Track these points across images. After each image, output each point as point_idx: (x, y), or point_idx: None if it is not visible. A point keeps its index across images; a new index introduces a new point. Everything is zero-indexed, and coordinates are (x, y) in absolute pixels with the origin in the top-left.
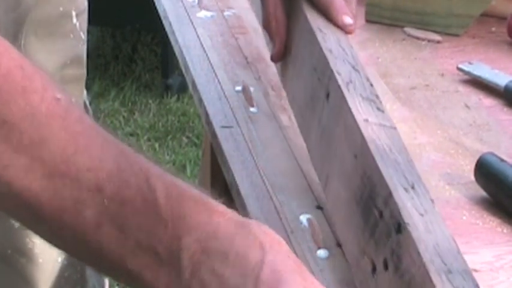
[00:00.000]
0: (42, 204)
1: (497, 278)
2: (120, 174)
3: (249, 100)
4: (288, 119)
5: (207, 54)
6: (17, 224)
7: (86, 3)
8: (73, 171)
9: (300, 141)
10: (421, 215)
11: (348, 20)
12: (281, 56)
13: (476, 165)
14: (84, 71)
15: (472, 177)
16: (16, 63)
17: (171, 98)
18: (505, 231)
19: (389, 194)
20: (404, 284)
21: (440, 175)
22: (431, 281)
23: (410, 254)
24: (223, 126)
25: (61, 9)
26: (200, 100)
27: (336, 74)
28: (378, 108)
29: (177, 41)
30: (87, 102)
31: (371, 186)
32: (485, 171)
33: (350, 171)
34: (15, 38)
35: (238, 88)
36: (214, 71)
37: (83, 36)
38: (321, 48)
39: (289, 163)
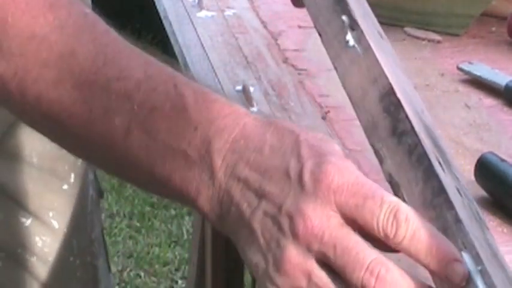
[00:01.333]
0: (71, 115)
1: None
2: (149, 82)
3: (249, 100)
4: (288, 119)
5: (207, 54)
6: (27, 223)
7: (89, 3)
8: (102, 81)
9: None
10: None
11: None
12: None
13: (477, 165)
14: None
15: (472, 177)
16: None
17: None
18: (505, 230)
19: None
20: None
21: None
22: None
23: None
24: None
25: None
26: None
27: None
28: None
29: (177, 41)
30: None
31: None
32: (485, 171)
33: None
34: None
35: (239, 88)
36: (214, 70)
37: None
38: None
39: None
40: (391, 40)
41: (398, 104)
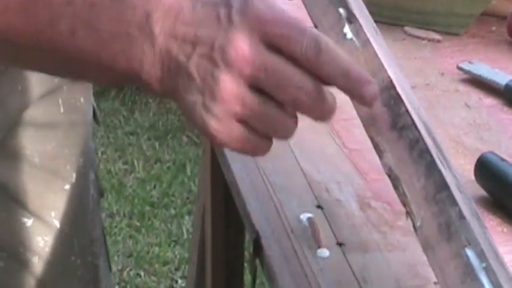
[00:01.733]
0: (21, 34)
1: None
2: None
3: None
4: None
5: None
6: (28, 223)
7: None
8: None
9: (300, 140)
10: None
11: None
12: None
13: (476, 164)
14: None
15: (472, 177)
16: None
17: None
18: (505, 230)
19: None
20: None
21: None
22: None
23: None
24: None
25: None
26: None
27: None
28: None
29: None
30: (95, 105)
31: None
32: (485, 170)
33: None
34: None
35: None
36: None
37: None
38: None
39: (289, 162)
40: (391, 39)
41: (398, 98)
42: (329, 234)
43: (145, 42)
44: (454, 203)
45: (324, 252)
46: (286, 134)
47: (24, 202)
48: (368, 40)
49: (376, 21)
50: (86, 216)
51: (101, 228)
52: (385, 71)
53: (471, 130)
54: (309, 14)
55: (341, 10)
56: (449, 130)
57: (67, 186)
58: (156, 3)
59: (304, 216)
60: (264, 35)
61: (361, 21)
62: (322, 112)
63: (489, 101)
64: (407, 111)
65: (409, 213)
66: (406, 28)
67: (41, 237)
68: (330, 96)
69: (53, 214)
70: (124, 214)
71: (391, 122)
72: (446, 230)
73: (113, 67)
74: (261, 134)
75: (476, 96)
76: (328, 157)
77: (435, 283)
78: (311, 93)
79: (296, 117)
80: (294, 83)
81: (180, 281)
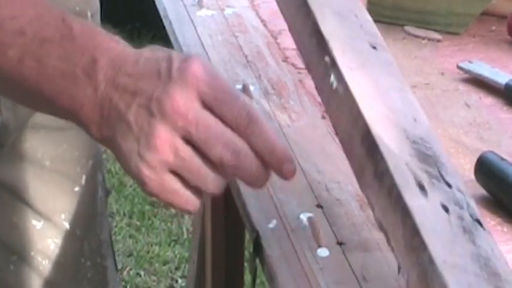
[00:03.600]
0: None
1: None
2: (40, 19)
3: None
4: (288, 118)
5: (207, 53)
6: (38, 225)
7: (98, 4)
8: None
9: (300, 140)
10: None
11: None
12: None
13: (477, 163)
14: None
15: (472, 176)
16: None
17: None
18: (505, 229)
19: (469, 198)
20: (473, 246)
21: None
22: None
23: (492, 248)
24: None
25: (77, 8)
26: None
27: None
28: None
29: (177, 40)
30: None
31: (436, 157)
32: (485, 169)
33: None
34: None
35: (238, 87)
36: None
37: None
38: None
39: None
40: (391, 39)
41: (374, 144)
42: (329, 233)
43: (88, 86)
44: (424, 247)
45: (324, 251)
46: (216, 188)
47: (35, 204)
48: (347, 85)
49: (376, 21)
50: (95, 218)
51: (108, 229)
52: (363, 116)
53: (471, 129)
54: (307, 69)
55: (326, 58)
56: (449, 129)
57: (77, 188)
58: (103, 52)
59: (304, 216)
60: (200, 94)
61: (343, 59)
62: (251, 175)
63: (489, 100)
64: (382, 157)
65: (399, 267)
66: (406, 27)
67: (52, 240)
68: (259, 163)
69: (63, 216)
70: (124, 213)
71: (373, 170)
72: (424, 279)
73: (54, 102)
74: (191, 187)
75: (476, 95)
76: (328, 157)
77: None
78: (237, 153)
79: (227, 175)
80: (221, 141)
81: (180, 281)
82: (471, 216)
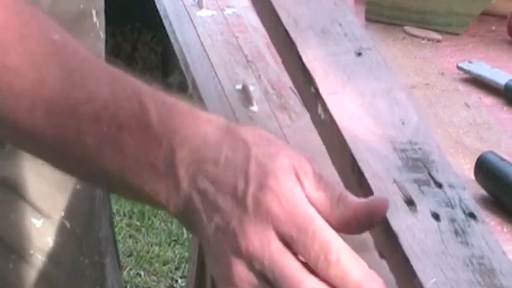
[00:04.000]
0: (47, 138)
1: None
2: (115, 101)
3: (249, 99)
4: (288, 118)
5: (207, 53)
6: (38, 224)
7: (103, 2)
8: (72, 105)
9: (300, 140)
10: None
11: None
12: None
13: (476, 164)
14: None
15: (472, 176)
16: (12, 10)
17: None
18: (505, 229)
19: (463, 188)
20: (468, 251)
21: None
22: None
23: (487, 242)
24: None
25: (81, 6)
26: (200, 99)
27: None
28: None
29: (177, 40)
30: None
31: (425, 157)
32: (485, 170)
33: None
34: None
35: (238, 87)
36: (214, 69)
37: (102, 35)
38: None
39: None
40: (391, 39)
41: (361, 172)
42: None
43: (171, 182)
44: (414, 274)
45: None
46: None
47: (35, 202)
48: (333, 119)
49: (376, 21)
50: (94, 216)
51: (108, 227)
52: (349, 148)
53: (471, 130)
54: (303, 104)
55: (312, 89)
56: (449, 129)
57: (78, 186)
58: (182, 142)
59: None
60: (276, 231)
61: (329, 91)
62: None
63: (489, 100)
64: (368, 185)
65: None
66: (406, 28)
67: (51, 238)
68: None
69: (63, 214)
70: (124, 213)
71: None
72: None
73: (139, 193)
74: None
75: (476, 95)
76: (328, 157)
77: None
78: None
79: None
80: (295, 284)
81: (180, 281)
82: (464, 211)
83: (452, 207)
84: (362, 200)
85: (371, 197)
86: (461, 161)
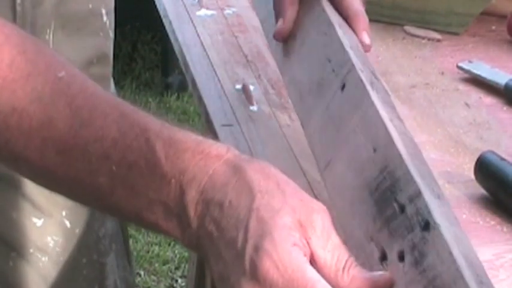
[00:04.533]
0: (60, 177)
1: (497, 277)
2: (123, 140)
3: (249, 98)
4: (288, 117)
5: (207, 53)
6: (39, 223)
7: (113, 1)
8: (81, 145)
9: (299, 140)
10: (450, 224)
11: (367, 39)
12: (286, 35)
13: (476, 163)
14: (110, 69)
15: (472, 176)
16: (19, 49)
17: (171, 96)
18: (504, 229)
19: (418, 193)
20: (425, 279)
21: (440, 173)
22: (465, 285)
23: (438, 253)
24: (223, 125)
25: (90, 6)
26: (200, 98)
27: (359, 71)
28: (398, 117)
29: (177, 40)
30: None
31: (392, 181)
32: (485, 169)
33: (365, 161)
34: (41, 33)
35: (238, 86)
36: (214, 69)
37: (111, 34)
38: (341, 43)
39: (289, 161)
40: (391, 39)
41: (344, 243)
42: None
43: (182, 220)
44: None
45: None
46: None
47: (36, 201)
48: (326, 187)
49: (376, 20)
50: (94, 215)
51: (114, 225)
52: (334, 223)
53: (471, 129)
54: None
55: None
56: (449, 129)
57: None
58: (190, 182)
59: None
60: None
61: (322, 156)
62: None
63: (489, 100)
64: (351, 253)
65: None
66: (406, 27)
67: (51, 237)
68: None
69: (64, 213)
70: None
71: None
72: None
73: (154, 227)
74: None
75: (476, 95)
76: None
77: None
78: None
79: None
80: None
81: (180, 280)
82: (420, 225)
83: (413, 230)
84: (367, 275)
85: (376, 274)
86: (461, 161)
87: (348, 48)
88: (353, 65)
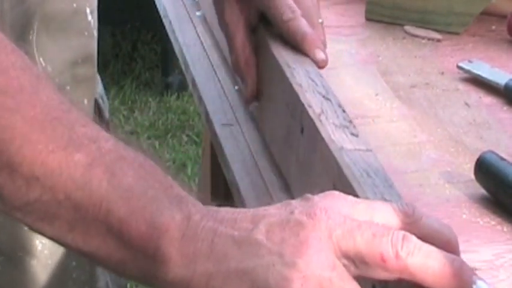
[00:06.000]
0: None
1: (497, 277)
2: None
3: None
4: None
5: (206, 53)
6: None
7: (96, 1)
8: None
9: None
10: None
11: (321, 55)
12: (254, 97)
13: (476, 163)
14: (95, 70)
15: (472, 176)
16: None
17: (171, 96)
18: (505, 229)
19: None
20: None
21: (440, 173)
22: None
23: None
24: (223, 125)
25: (74, 5)
26: (200, 98)
27: (307, 107)
28: (352, 134)
29: (177, 40)
30: (104, 98)
31: None
32: (485, 169)
33: None
34: (23, 33)
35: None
36: (214, 69)
37: (95, 33)
38: (290, 84)
39: None
40: (391, 39)
41: None
42: None
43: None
44: None
45: None
46: None
47: None
48: None
49: (376, 20)
50: None
51: None
52: None
53: (471, 129)
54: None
55: None
56: (449, 129)
57: None
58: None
59: None
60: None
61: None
62: None
63: (489, 100)
64: None
65: None
66: (406, 27)
67: (39, 240)
68: None
69: None
70: None
71: None
72: None
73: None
74: None
75: (476, 95)
76: None
77: None
78: None
79: None
80: None
81: None
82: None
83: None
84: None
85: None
86: (461, 161)
87: (296, 87)
88: (302, 104)
